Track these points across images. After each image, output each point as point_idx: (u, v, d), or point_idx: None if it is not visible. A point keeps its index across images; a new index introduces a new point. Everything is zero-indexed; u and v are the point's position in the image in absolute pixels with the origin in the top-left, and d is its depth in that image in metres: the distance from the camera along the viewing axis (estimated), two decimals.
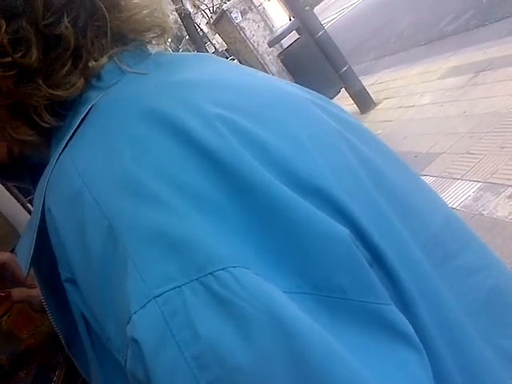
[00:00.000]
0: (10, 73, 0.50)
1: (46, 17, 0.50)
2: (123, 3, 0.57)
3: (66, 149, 0.50)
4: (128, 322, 0.39)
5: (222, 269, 0.39)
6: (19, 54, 0.49)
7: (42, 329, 0.98)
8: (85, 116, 0.51)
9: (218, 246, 0.41)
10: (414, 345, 0.43)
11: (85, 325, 0.49)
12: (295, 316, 0.39)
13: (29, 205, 2.19)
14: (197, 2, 31.62)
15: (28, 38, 0.50)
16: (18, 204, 2.19)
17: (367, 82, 5.84)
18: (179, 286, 0.39)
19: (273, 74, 5.90)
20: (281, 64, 5.88)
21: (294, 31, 5.76)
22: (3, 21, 0.49)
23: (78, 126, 0.51)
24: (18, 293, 0.93)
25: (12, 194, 2.18)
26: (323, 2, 28.90)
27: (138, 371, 0.40)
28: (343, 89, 5.56)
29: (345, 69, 5.44)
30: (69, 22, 0.51)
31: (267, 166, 0.45)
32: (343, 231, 0.45)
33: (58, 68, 0.52)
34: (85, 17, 0.53)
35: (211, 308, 0.38)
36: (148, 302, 0.39)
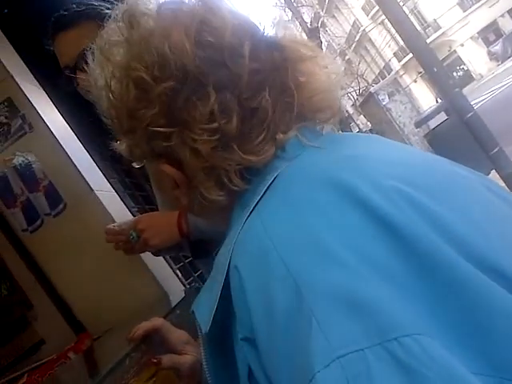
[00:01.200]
0: (213, 138, 0.57)
1: (247, 91, 0.58)
2: (305, 85, 0.63)
3: (253, 212, 0.55)
4: (310, 381, 0.39)
5: (407, 335, 0.39)
6: (223, 122, 0.57)
7: None
8: (271, 183, 0.56)
9: (402, 312, 0.41)
10: None
11: None
12: None
13: (178, 271, 2.31)
14: (344, 86, 32.60)
15: (231, 108, 0.57)
16: (171, 270, 2.30)
17: None
18: (362, 349, 0.39)
19: None
20: (427, 145, 5.74)
21: (443, 112, 5.64)
22: (213, 92, 0.56)
23: (265, 192, 0.56)
24: (167, 359, 0.95)
25: (165, 259, 2.32)
26: (472, 83, 28.21)
27: None
28: (494, 171, 5.25)
29: (496, 150, 5.16)
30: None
31: (446, 240, 0.46)
32: None
33: (254, 137, 0.58)
34: (276, 93, 0.60)
35: (395, 375, 0.38)
36: (332, 361, 0.39)
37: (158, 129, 0.59)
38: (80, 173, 2.21)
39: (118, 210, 2.17)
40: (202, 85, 0.57)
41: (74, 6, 1.35)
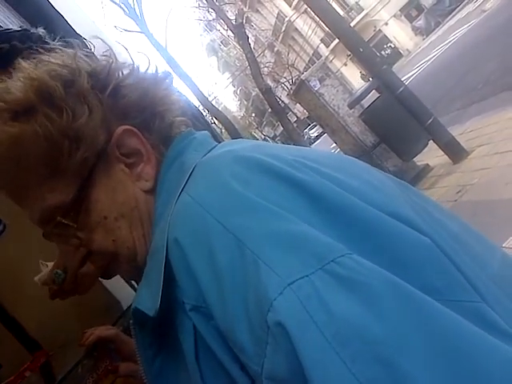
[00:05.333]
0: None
1: None
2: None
3: (181, 195, 0.60)
4: (269, 311, 0.44)
5: (341, 256, 0.45)
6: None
7: None
8: (191, 172, 0.63)
9: (329, 240, 0.47)
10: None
11: (195, 356, 0.54)
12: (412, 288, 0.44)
13: (133, 282, 2.29)
14: (276, 77, 32.87)
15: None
16: (123, 280, 2.28)
17: (457, 131, 5.66)
18: (307, 275, 0.44)
19: (356, 135, 5.89)
20: (363, 124, 5.85)
21: (374, 91, 5.76)
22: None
23: (188, 179, 0.62)
24: (124, 367, 0.96)
25: None
26: (401, 60, 28.97)
27: (279, 364, 0.44)
28: (431, 141, 5.42)
29: (430, 121, 5.33)
30: None
31: (346, 190, 0.53)
32: (426, 239, 0.51)
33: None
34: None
35: (339, 289, 0.43)
36: (284, 289, 0.44)
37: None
38: None
39: None
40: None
41: None
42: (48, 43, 1.42)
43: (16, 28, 1.41)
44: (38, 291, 1.34)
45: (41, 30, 1.39)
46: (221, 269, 0.49)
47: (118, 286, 2.25)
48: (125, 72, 0.70)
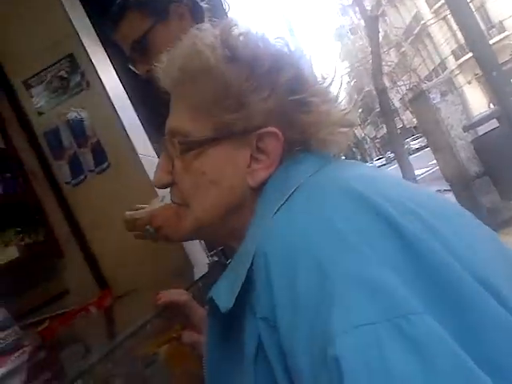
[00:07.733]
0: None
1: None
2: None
3: (281, 209, 0.62)
4: (330, 345, 0.45)
5: (413, 313, 0.46)
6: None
7: (196, 372, 1.02)
8: (295, 189, 0.65)
9: (408, 295, 0.48)
10: None
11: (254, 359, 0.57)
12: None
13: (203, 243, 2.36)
14: (395, 78, 31.99)
15: None
16: (198, 242, 2.35)
17: None
18: (374, 323, 0.45)
19: (461, 160, 5.64)
20: (472, 151, 5.59)
21: (495, 120, 5.48)
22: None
23: (290, 195, 0.64)
24: (187, 336, 0.99)
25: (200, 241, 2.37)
26: None
27: None
28: None
29: None
30: None
31: (445, 248, 0.53)
32: (505, 312, 0.49)
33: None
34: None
35: (401, 346, 0.44)
36: (349, 329, 0.45)
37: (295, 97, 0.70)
38: (128, 136, 2.24)
39: None
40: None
41: None
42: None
43: None
44: (122, 233, 1.40)
45: None
46: (298, 292, 0.51)
47: (194, 249, 2.32)
48: (323, 98, 0.74)
